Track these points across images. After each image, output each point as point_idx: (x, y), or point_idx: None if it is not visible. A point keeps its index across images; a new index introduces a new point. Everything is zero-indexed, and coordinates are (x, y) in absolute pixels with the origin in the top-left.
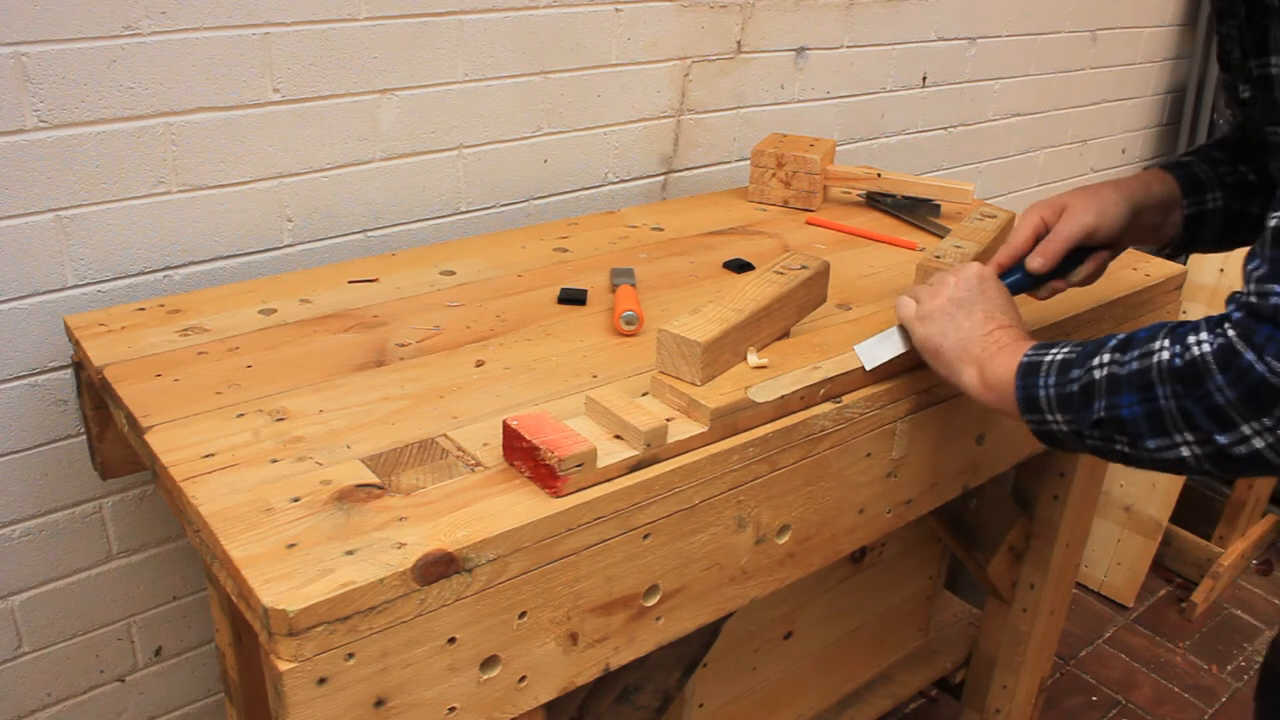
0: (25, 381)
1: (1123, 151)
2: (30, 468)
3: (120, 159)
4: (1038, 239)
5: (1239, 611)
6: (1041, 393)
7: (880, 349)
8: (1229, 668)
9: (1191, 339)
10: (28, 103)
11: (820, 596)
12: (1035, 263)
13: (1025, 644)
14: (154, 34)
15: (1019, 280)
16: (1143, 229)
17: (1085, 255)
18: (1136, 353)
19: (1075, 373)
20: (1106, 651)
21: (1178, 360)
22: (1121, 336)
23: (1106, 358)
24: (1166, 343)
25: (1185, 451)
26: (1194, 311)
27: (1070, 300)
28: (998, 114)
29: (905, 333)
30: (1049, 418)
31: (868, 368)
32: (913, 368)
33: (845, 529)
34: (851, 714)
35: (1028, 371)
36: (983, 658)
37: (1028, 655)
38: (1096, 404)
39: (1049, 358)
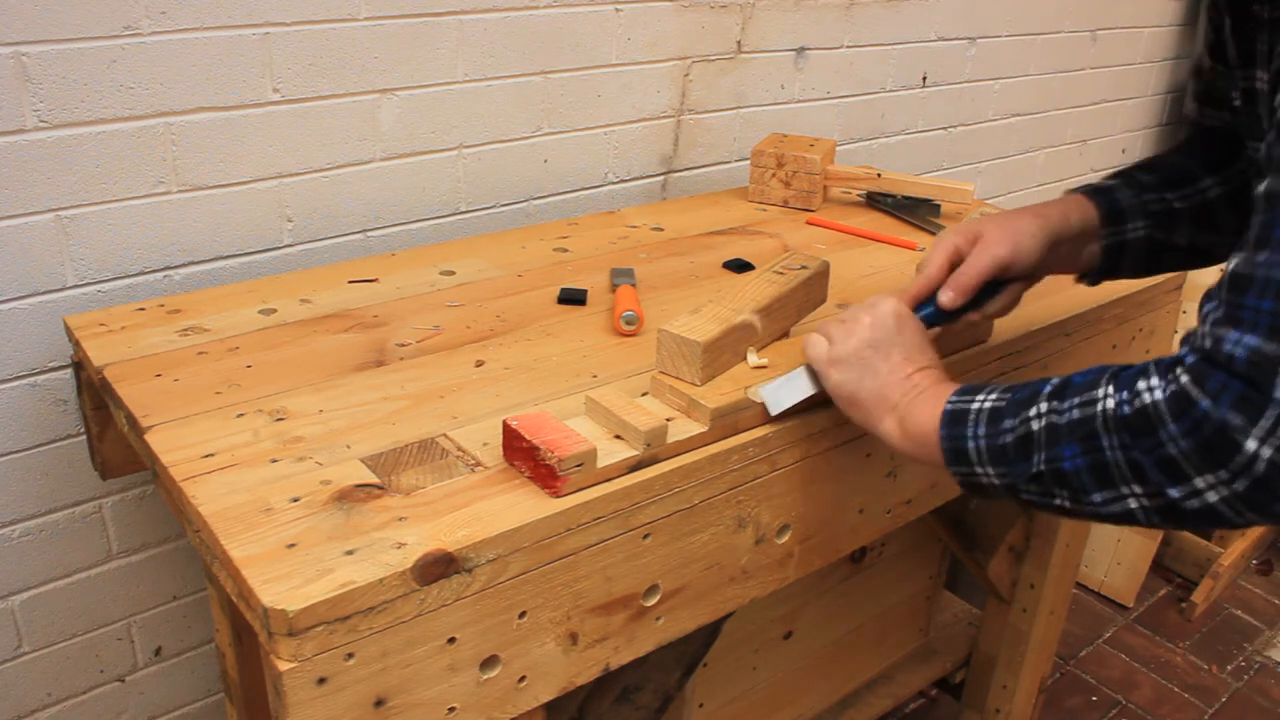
0: (25, 381)
1: (1123, 151)
2: (30, 468)
3: (120, 159)
4: (952, 268)
5: (1239, 611)
6: (970, 444)
7: (787, 392)
8: (1229, 668)
9: (1141, 384)
10: (28, 103)
11: (820, 596)
12: (945, 297)
13: (1025, 644)
14: (154, 34)
15: (932, 314)
16: (1060, 259)
17: (1000, 286)
18: (1076, 400)
19: (1008, 423)
20: (1106, 651)
21: (1126, 408)
22: (1056, 382)
23: (1044, 406)
24: (1111, 389)
25: (1133, 504)
26: (1193, 312)
27: (1072, 300)
28: (998, 114)
29: (814, 374)
30: (979, 470)
31: (773, 413)
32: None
33: (845, 529)
34: (851, 714)
35: (953, 420)
36: (983, 658)
37: (1028, 655)
38: (1035, 456)
39: (976, 405)
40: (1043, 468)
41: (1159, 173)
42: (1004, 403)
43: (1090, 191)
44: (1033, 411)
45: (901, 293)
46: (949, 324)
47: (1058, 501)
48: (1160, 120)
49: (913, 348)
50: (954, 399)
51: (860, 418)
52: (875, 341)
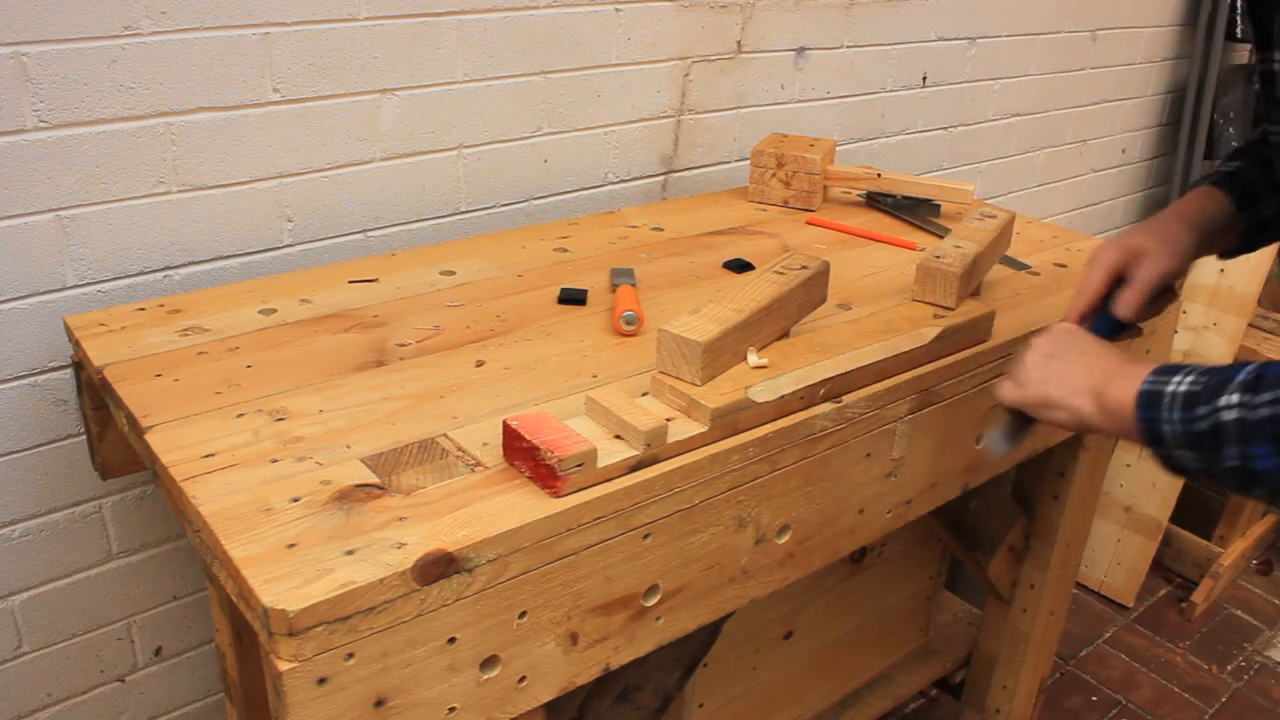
0: (25, 381)
1: (1123, 151)
2: (30, 468)
3: (120, 159)
4: (1113, 283)
5: (1239, 611)
6: (1166, 427)
7: (1004, 438)
8: (1229, 668)
9: None
10: (28, 103)
11: (820, 596)
12: (1124, 310)
13: (1025, 644)
14: (154, 34)
15: (1100, 331)
16: (1203, 249)
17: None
18: (1268, 396)
19: (1202, 410)
20: (1106, 651)
21: None
22: (1250, 370)
23: (1236, 398)
24: None
25: None
26: (1194, 311)
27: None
28: (998, 114)
29: (1017, 414)
30: (1176, 453)
31: (1005, 454)
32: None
33: (845, 529)
34: (851, 714)
35: (1149, 402)
36: (983, 658)
37: (1028, 655)
38: (1228, 450)
39: (1172, 388)
40: (1237, 462)
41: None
42: (1199, 387)
43: (1219, 181)
44: (1224, 401)
45: (1066, 315)
46: (1114, 338)
47: (1258, 494)
48: (1160, 120)
49: (1090, 344)
50: (1151, 379)
51: (1061, 414)
52: (1050, 353)
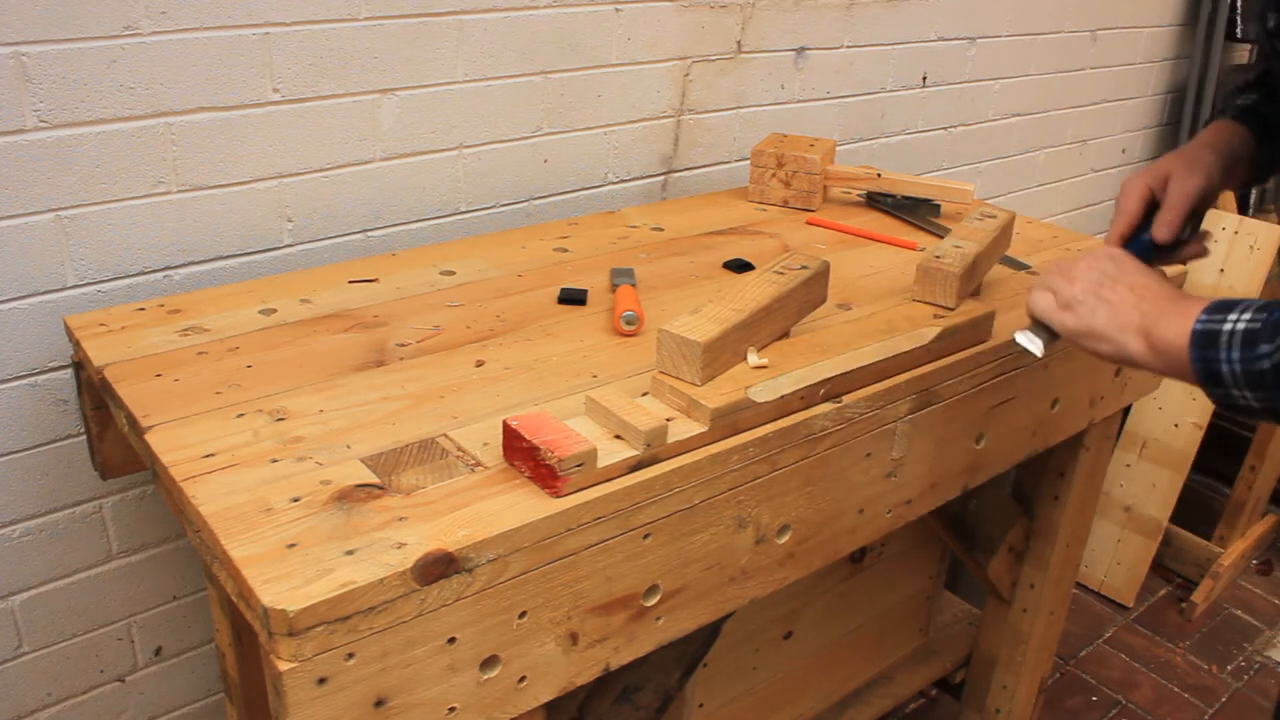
0: (25, 381)
1: (1123, 151)
2: (30, 468)
3: (120, 159)
4: (1146, 208)
5: (1239, 611)
6: (1225, 367)
7: (1045, 341)
8: (1229, 668)
9: None
10: (28, 103)
11: (820, 596)
12: (1162, 231)
13: (1025, 644)
14: (154, 34)
15: (1140, 253)
16: (1224, 177)
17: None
18: None
19: (1264, 347)
20: (1106, 651)
21: None
22: None
23: None
24: None
25: None
26: None
27: None
28: (998, 114)
29: (1042, 325)
30: (1235, 392)
31: (1040, 355)
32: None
33: (845, 529)
34: (851, 714)
35: (1205, 341)
36: (983, 658)
37: (1028, 655)
38: None
39: (1229, 326)
40: None
41: None
42: (1259, 324)
43: (1237, 114)
44: None
45: (1106, 238)
46: (1157, 262)
47: None
48: (1160, 120)
49: (1138, 274)
50: (1204, 318)
51: (1106, 347)
52: (1099, 279)
